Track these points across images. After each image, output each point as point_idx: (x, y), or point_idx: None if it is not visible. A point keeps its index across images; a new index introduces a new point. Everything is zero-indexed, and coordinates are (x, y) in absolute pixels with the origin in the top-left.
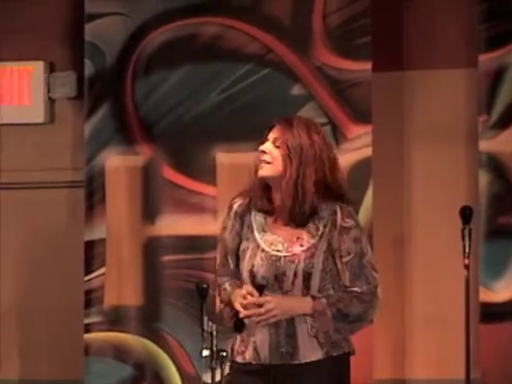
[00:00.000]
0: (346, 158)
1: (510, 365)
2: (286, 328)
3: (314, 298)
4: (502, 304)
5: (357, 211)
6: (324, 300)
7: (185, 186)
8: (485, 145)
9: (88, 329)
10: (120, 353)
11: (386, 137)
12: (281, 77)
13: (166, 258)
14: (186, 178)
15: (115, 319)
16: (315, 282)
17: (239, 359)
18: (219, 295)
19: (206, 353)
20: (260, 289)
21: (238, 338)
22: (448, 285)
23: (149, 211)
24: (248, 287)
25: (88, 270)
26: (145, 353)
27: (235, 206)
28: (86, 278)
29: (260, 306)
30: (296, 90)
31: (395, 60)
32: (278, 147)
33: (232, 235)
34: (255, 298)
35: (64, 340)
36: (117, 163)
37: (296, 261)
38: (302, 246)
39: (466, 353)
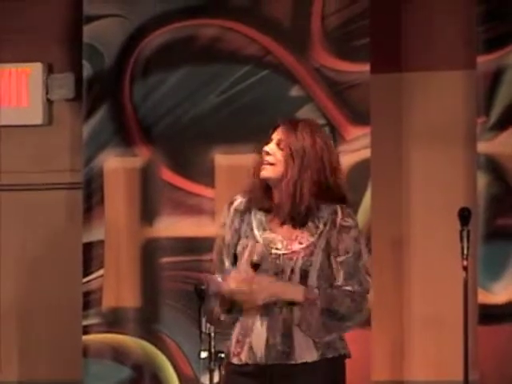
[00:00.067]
0: (345, 159)
1: (508, 366)
2: (282, 328)
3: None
4: (500, 306)
5: (355, 213)
6: (316, 290)
7: (183, 187)
8: (483, 146)
9: (86, 330)
10: (118, 354)
11: (384, 138)
12: (279, 78)
13: (165, 259)
14: (184, 179)
15: (113, 321)
16: (312, 280)
17: (235, 361)
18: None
19: (204, 354)
20: (255, 267)
21: (234, 338)
22: (446, 286)
23: (147, 213)
24: (243, 265)
25: (86, 272)
26: (143, 354)
27: (235, 203)
28: (85, 280)
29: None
30: (294, 91)
31: (394, 62)
32: (281, 149)
33: (230, 232)
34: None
35: (63, 341)
36: (115, 165)
37: (294, 258)
38: (301, 243)
39: (465, 354)
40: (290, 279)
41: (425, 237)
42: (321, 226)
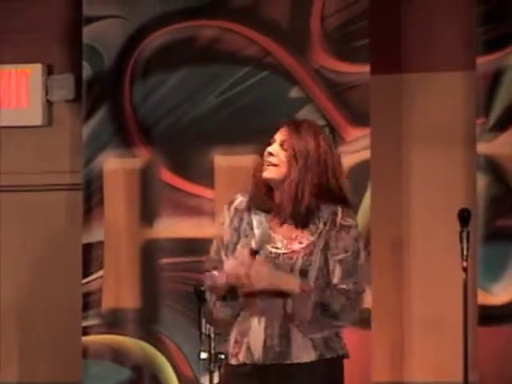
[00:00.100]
0: (344, 160)
1: (507, 367)
2: (280, 328)
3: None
4: (500, 307)
5: (355, 214)
6: (312, 283)
7: (183, 188)
8: (483, 147)
9: (86, 331)
10: (118, 355)
11: (384, 139)
12: (279, 79)
13: (164, 260)
14: (184, 180)
15: (113, 322)
16: (311, 280)
17: (233, 361)
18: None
19: (203, 355)
20: (253, 254)
21: (232, 339)
22: (446, 287)
23: (147, 214)
24: (241, 251)
25: (86, 273)
26: (143, 355)
27: (236, 202)
28: (84, 281)
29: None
30: (294, 92)
31: (393, 62)
32: (285, 150)
33: (230, 231)
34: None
35: (62, 342)
36: (115, 166)
37: (294, 258)
38: (301, 243)
39: (464, 355)
40: None
41: (424, 238)
42: (321, 225)
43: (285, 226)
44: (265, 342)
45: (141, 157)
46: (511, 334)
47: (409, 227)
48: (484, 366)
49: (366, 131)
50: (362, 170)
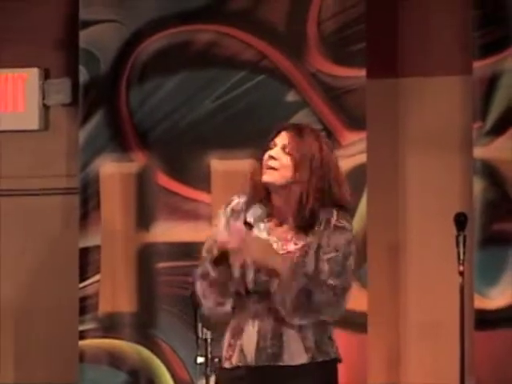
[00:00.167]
0: (341, 164)
1: (504, 372)
2: (273, 329)
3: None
4: (496, 311)
5: (351, 218)
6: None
7: (179, 192)
8: (479, 152)
9: (83, 335)
10: (114, 359)
11: (380, 144)
12: (275, 83)
13: (161, 264)
14: (180, 184)
15: (110, 326)
16: None
17: (227, 365)
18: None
19: (200, 360)
20: (248, 226)
21: (226, 342)
22: (443, 292)
23: (143, 218)
24: (235, 223)
25: (83, 277)
26: (139, 359)
27: (233, 203)
28: (81, 285)
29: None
30: (290, 96)
31: (390, 67)
32: (288, 154)
33: (225, 231)
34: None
35: (59, 346)
36: (111, 170)
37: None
38: (296, 244)
39: (461, 360)
40: None
41: (421, 242)
42: (316, 227)
43: (281, 228)
44: (258, 343)
45: (137, 161)
46: (508, 339)
47: (405, 231)
48: (481, 370)
49: (363, 135)
50: (358, 174)
